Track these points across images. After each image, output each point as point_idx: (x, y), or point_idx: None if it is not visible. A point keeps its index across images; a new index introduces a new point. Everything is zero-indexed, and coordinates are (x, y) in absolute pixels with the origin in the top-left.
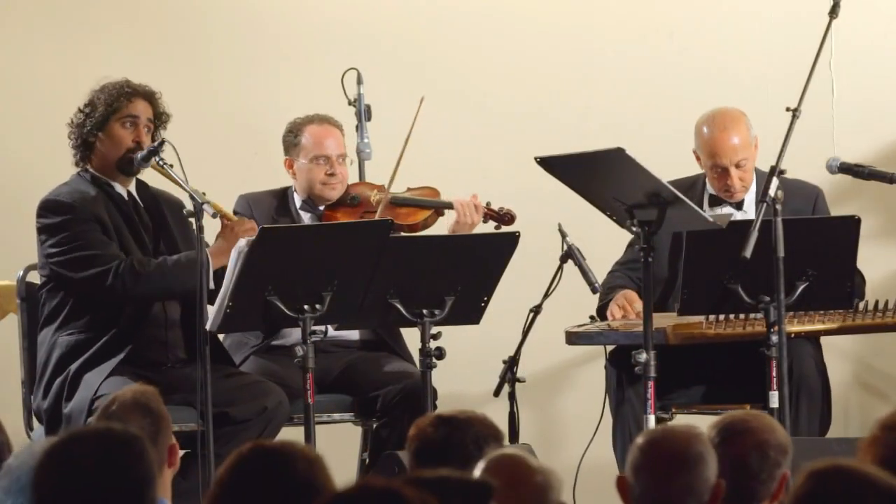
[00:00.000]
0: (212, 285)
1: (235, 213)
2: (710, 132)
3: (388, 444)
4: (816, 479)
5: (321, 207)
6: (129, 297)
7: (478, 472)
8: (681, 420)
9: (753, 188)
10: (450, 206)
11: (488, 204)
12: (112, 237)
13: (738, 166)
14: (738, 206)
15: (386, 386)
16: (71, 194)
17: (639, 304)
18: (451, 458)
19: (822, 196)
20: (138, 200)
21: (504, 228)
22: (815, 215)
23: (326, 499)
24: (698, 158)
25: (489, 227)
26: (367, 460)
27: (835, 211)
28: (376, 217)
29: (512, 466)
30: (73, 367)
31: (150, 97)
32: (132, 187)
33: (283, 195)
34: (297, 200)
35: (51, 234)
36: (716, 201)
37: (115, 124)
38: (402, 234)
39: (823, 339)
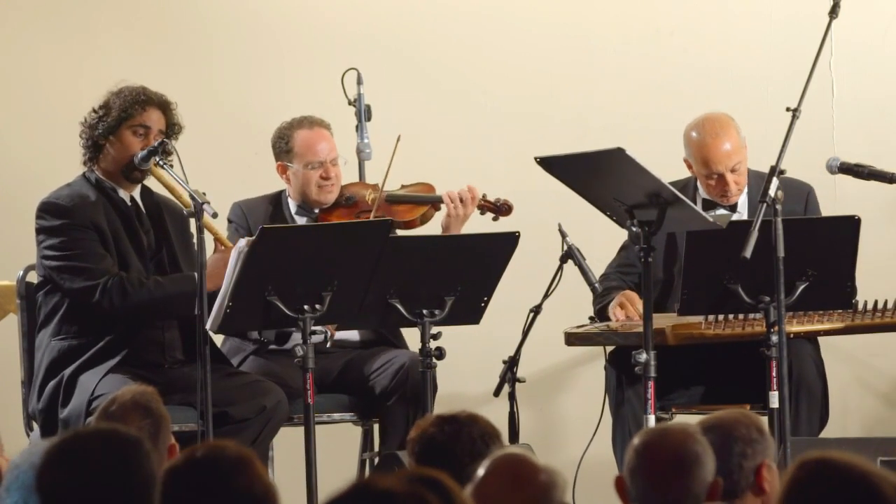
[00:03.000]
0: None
1: (230, 220)
2: (701, 140)
3: (393, 440)
4: (806, 469)
5: (316, 211)
6: (115, 313)
7: (482, 470)
8: (680, 420)
9: (745, 190)
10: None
11: (484, 195)
12: (109, 244)
13: (733, 171)
14: (732, 208)
15: (382, 372)
16: (71, 198)
17: (640, 304)
18: (456, 457)
19: (814, 193)
20: (140, 206)
21: (502, 219)
22: (807, 213)
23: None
24: (690, 167)
25: (486, 219)
26: (375, 460)
27: (835, 211)
28: (372, 215)
29: (516, 465)
30: (68, 371)
31: (164, 107)
32: (136, 193)
33: (277, 200)
34: (292, 205)
35: (47, 237)
36: (709, 205)
37: (127, 131)
38: (400, 232)
39: (823, 339)
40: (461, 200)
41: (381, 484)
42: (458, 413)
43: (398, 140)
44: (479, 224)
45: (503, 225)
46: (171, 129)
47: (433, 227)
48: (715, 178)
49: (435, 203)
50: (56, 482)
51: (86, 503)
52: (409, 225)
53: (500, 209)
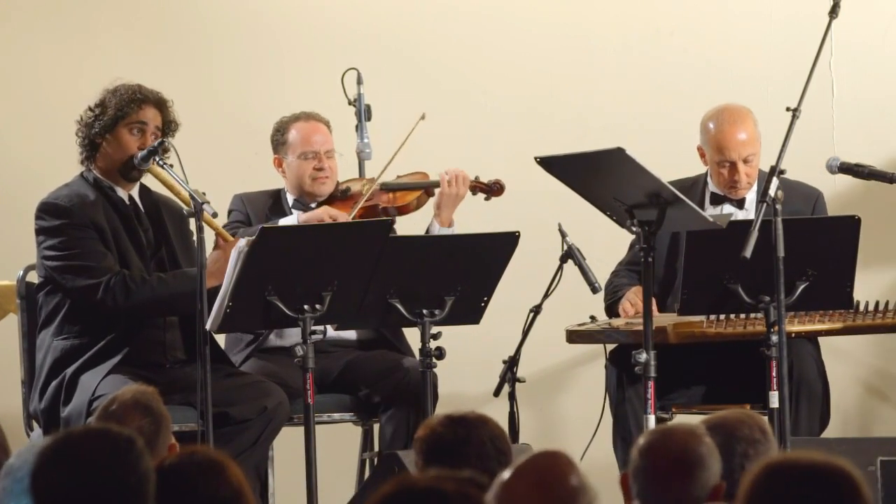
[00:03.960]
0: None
1: (230, 211)
2: (717, 127)
3: (394, 441)
4: (767, 474)
5: (313, 205)
6: (119, 311)
7: (508, 471)
8: (680, 420)
9: (754, 187)
10: (438, 184)
11: (477, 177)
12: (109, 243)
13: (745, 161)
14: (740, 204)
15: (384, 380)
16: (70, 198)
17: None
18: (464, 458)
19: (822, 198)
20: (139, 205)
21: (494, 199)
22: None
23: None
24: (703, 155)
25: (485, 214)
26: (375, 460)
27: (835, 211)
28: (363, 201)
29: (545, 468)
30: (69, 370)
31: (160, 105)
32: (135, 192)
33: (277, 195)
34: (290, 200)
35: (47, 237)
36: (718, 200)
37: (123, 129)
38: (397, 220)
39: (823, 339)
40: (454, 180)
41: (425, 483)
42: (467, 413)
43: (421, 118)
44: (477, 221)
45: (502, 224)
46: (168, 126)
47: (427, 212)
48: (727, 166)
49: (429, 188)
50: (50, 483)
51: (80, 503)
52: (402, 210)
53: (492, 189)
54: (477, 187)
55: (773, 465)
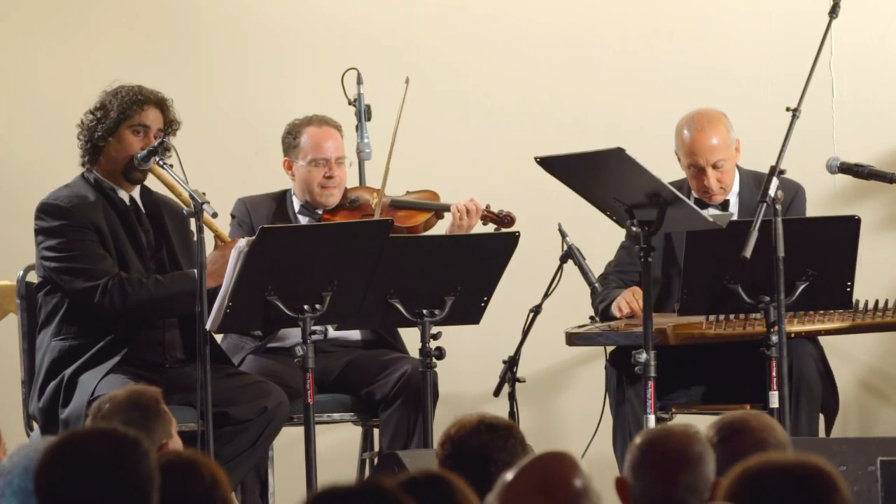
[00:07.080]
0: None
1: (233, 216)
2: (688, 132)
3: (394, 441)
4: (743, 477)
5: (319, 211)
6: (116, 314)
7: (511, 473)
8: (680, 420)
9: (736, 188)
10: (448, 208)
11: (488, 206)
12: (109, 245)
13: (715, 167)
14: (723, 206)
15: (384, 379)
16: (70, 199)
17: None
18: (495, 464)
19: (802, 194)
20: (140, 206)
21: (504, 231)
22: (790, 211)
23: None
24: (680, 160)
25: (488, 230)
26: (375, 460)
27: (834, 211)
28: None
29: (548, 469)
30: (68, 371)
31: (162, 105)
32: (136, 193)
33: (282, 198)
34: (296, 203)
35: (46, 238)
36: (702, 205)
37: (126, 131)
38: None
39: (823, 339)
40: (466, 212)
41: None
42: (499, 420)
43: (407, 83)
44: (478, 229)
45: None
46: (170, 126)
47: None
48: (696, 171)
49: (438, 211)
50: (53, 482)
51: (84, 503)
52: (411, 231)
53: (503, 220)
54: (488, 217)
55: (750, 467)
